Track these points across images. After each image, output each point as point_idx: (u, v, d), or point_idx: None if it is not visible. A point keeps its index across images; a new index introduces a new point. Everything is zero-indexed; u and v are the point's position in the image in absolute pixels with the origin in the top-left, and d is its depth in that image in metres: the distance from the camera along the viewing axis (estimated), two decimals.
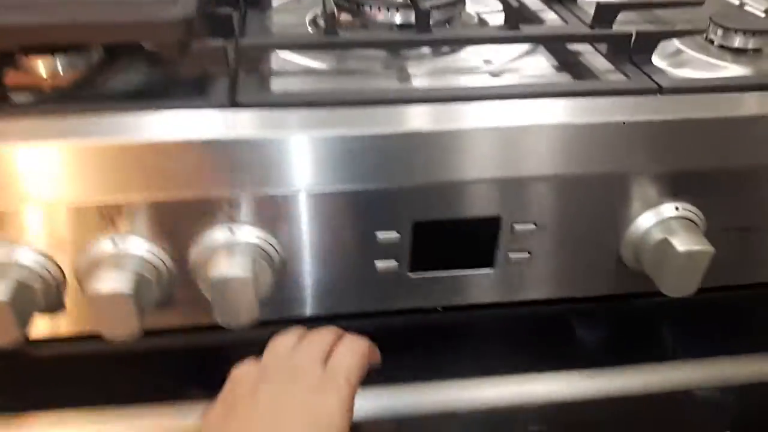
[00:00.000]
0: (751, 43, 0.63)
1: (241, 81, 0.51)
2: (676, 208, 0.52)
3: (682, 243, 0.50)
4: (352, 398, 0.44)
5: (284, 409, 0.42)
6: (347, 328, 0.49)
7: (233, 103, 0.47)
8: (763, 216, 0.54)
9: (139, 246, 0.47)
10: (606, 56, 0.59)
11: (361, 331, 0.49)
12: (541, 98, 0.50)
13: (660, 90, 0.52)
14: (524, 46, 0.63)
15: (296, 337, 0.47)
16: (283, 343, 0.47)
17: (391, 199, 0.48)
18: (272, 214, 0.48)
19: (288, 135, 0.44)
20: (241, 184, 0.46)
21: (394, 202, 0.49)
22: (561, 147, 0.48)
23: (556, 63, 0.61)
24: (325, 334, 0.48)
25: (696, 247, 0.49)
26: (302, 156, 0.45)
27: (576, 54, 0.62)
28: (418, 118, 0.47)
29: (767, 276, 0.58)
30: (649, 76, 0.53)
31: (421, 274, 0.53)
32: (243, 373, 0.45)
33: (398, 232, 0.50)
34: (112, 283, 0.44)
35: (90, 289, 0.44)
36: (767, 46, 0.64)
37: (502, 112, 0.48)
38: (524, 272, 0.54)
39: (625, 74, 0.55)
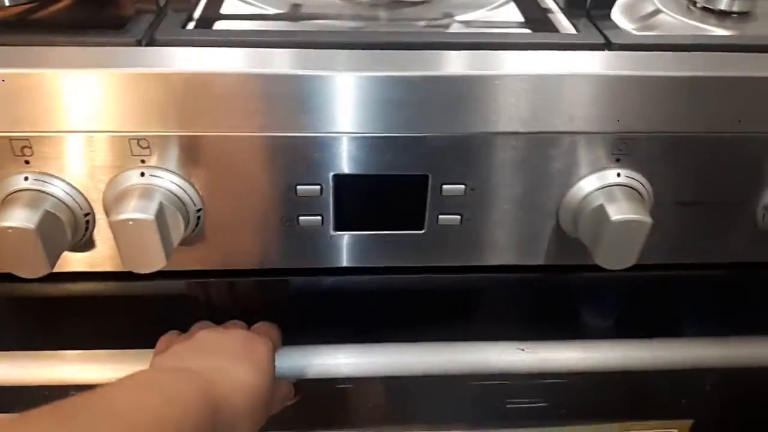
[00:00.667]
0: (737, 5, 0.59)
1: (165, 20, 0.49)
2: (618, 174, 0.48)
3: (617, 211, 0.46)
4: (273, 356, 0.50)
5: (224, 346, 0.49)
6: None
7: (150, 40, 0.46)
8: (713, 190, 0.50)
9: (54, 185, 0.46)
10: (563, 10, 0.55)
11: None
12: (486, 50, 0.47)
13: (609, 45, 0.48)
14: None
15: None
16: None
17: (310, 149, 0.46)
18: (186, 157, 0.46)
19: (208, 74, 0.43)
20: (154, 124, 0.44)
21: (314, 154, 0.46)
22: (494, 101, 0.45)
23: (522, 18, 0.58)
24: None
25: (632, 217, 0.46)
26: (219, 97, 0.43)
27: (545, 10, 0.58)
28: (345, 63, 0.45)
29: (718, 256, 0.54)
30: (600, 31, 0.49)
31: (345, 233, 0.51)
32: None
33: (319, 187, 0.48)
34: (17, 219, 0.44)
35: None
36: (756, 8, 0.59)
37: (440, 61, 0.45)
38: (456, 236, 0.51)
39: (577, 29, 0.51)
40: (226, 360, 0.47)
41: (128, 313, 0.60)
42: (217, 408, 0.43)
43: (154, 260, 0.46)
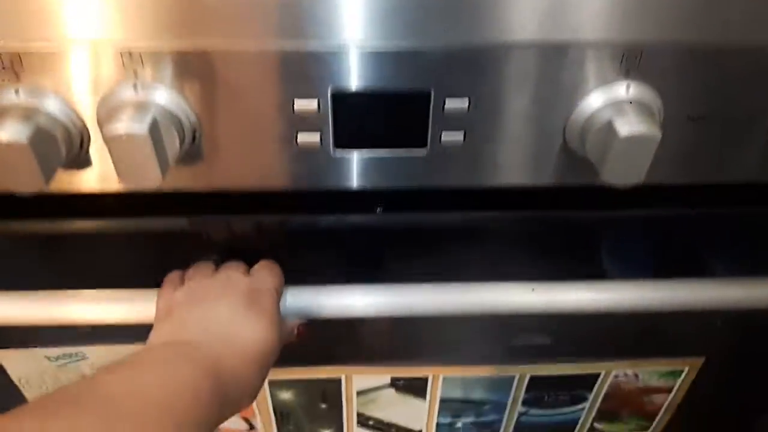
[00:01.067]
0: None
1: None
2: (627, 88, 0.46)
3: (626, 126, 0.45)
4: (278, 306, 0.51)
5: (227, 304, 0.48)
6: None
7: None
8: (726, 104, 0.48)
9: (45, 99, 0.45)
10: None
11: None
12: None
13: None
14: None
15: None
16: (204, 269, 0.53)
17: (307, 63, 0.45)
18: (179, 72, 0.45)
19: None
20: (146, 36, 0.43)
21: (311, 67, 0.45)
22: (499, 10, 0.43)
23: None
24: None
25: (640, 131, 0.44)
26: (213, 7, 0.42)
27: None
28: None
29: (728, 174, 0.53)
30: None
31: (345, 152, 0.50)
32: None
33: (317, 102, 0.46)
34: (9, 132, 0.43)
35: None
36: None
37: None
38: (460, 155, 0.50)
39: None
40: (230, 324, 0.46)
41: (129, 246, 0.60)
42: (224, 384, 0.41)
43: (149, 176, 0.45)
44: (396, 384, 0.80)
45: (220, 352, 0.43)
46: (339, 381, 0.78)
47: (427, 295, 0.56)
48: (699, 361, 0.78)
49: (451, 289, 0.57)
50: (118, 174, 0.45)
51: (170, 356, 0.42)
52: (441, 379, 0.80)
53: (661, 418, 0.89)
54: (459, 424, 0.89)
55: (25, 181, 0.45)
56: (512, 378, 0.80)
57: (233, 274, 0.52)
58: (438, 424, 0.88)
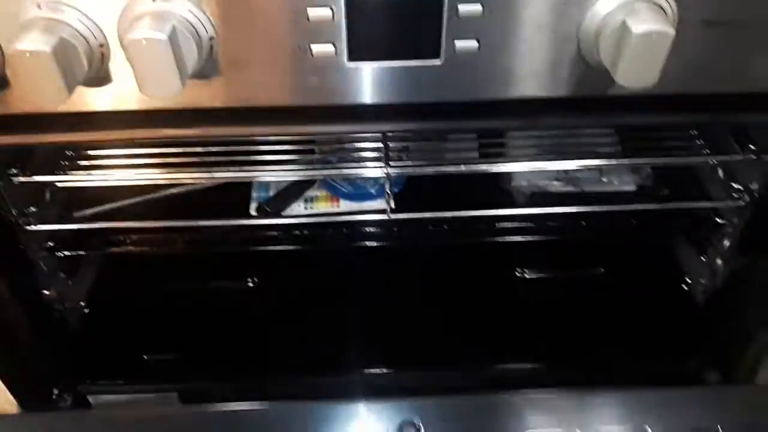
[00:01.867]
0: None
1: None
2: None
3: (639, 24, 0.44)
4: None
5: None
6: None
7: None
8: (742, 8, 0.48)
9: (67, 12, 0.47)
10: None
11: None
12: None
13: None
14: None
15: None
16: None
17: None
18: None
19: None
20: None
21: None
22: None
23: None
24: None
25: (654, 28, 0.44)
26: None
27: None
28: None
29: (743, 84, 0.52)
30: None
31: (360, 64, 0.50)
32: None
33: (331, 10, 0.47)
34: (33, 43, 0.44)
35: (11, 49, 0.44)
36: None
37: None
38: (474, 66, 0.50)
39: None
40: None
41: None
42: None
43: (169, 84, 0.46)
44: None
45: None
46: None
47: None
48: None
49: None
50: (140, 84, 0.46)
51: None
52: None
53: None
54: None
55: (49, 93, 0.46)
56: None
57: None
58: None
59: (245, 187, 0.88)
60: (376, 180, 0.89)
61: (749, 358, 0.83)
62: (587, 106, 0.55)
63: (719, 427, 0.68)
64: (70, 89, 0.46)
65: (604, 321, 0.91)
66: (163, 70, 0.45)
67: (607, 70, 0.48)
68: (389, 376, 0.83)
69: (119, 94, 0.51)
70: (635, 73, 0.46)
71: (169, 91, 0.46)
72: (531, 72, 0.51)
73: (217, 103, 0.52)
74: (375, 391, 0.76)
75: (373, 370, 0.84)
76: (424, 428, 0.67)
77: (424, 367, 0.83)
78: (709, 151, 0.77)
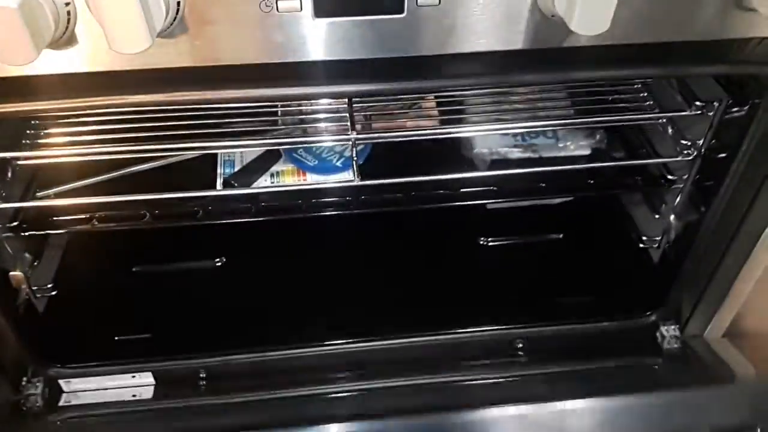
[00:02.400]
0: None
1: None
2: None
3: None
4: None
5: None
6: None
7: None
8: None
9: None
10: None
11: None
12: None
13: None
14: None
15: None
16: None
17: None
18: None
19: None
20: None
21: None
22: None
23: None
24: None
25: None
26: None
27: None
28: None
29: (689, 32, 0.55)
30: None
31: (325, 20, 0.51)
32: None
33: None
34: None
35: None
36: None
37: None
38: (436, 20, 0.52)
39: None
40: None
41: None
42: None
43: (138, 39, 0.46)
44: None
45: None
46: None
47: None
48: None
49: None
50: (108, 38, 0.46)
51: None
52: None
53: None
54: None
55: (16, 51, 0.46)
56: None
57: None
58: None
59: (211, 164, 0.88)
60: (341, 153, 0.90)
61: (703, 310, 0.88)
62: (544, 60, 0.58)
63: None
64: (38, 48, 0.46)
65: (563, 282, 0.95)
66: (132, 24, 0.45)
67: (562, 22, 0.51)
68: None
69: (85, 57, 0.52)
70: (588, 19, 0.49)
71: (139, 46, 0.46)
72: (490, 25, 0.53)
73: (184, 62, 0.52)
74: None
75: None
76: None
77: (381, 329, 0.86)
78: (658, 110, 0.81)
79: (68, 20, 0.49)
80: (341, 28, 0.52)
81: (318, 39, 0.52)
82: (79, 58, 0.52)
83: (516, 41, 0.54)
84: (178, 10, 0.49)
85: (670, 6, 0.54)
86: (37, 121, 0.80)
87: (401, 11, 0.51)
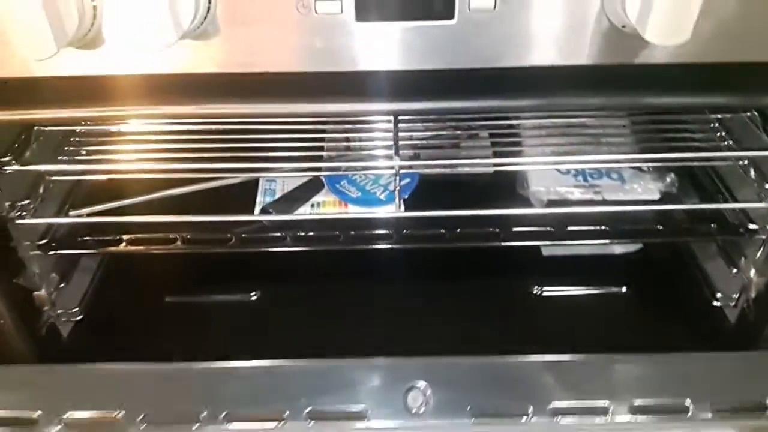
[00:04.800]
0: None
1: None
2: None
3: None
4: None
5: None
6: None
7: None
8: None
9: None
10: None
11: None
12: None
13: None
14: None
15: None
16: None
17: None
18: None
19: None
20: None
21: None
22: None
23: None
24: None
25: None
26: None
27: None
28: None
29: None
30: None
31: (369, 24, 0.47)
32: None
33: None
34: None
35: None
36: None
37: None
38: (491, 27, 0.47)
39: None
40: None
41: None
42: None
43: (163, 36, 0.43)
44: None
45: None
46: None
47: None
48: None
49: None
50: (131, 33, 0.43)
51: None
52: None
53: None
54: None
55: (38, 45, 0.43)
56: None
57: None
58: None
59: (252, 193, 0.85)
60: (385, 186, 0.85)
61: None
62: (612, 79, 0.51)
63: None
64: (59, 42, 0.43)
65: (624, 343, 0.85)
66: (155, 20, 0.42)
67: (634, 33, 0.45)
68: None
69: (112, 59, 0.49)
70: (666, 27, 0.43)
71: (163, 44, 0.43)
72: (551, 35, 0.48)
73: (214, 68, 0.49)
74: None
75: None
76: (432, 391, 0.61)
77: None
78: (736, 149, 0.73)
79: (93, 17, 0.46)
80: (385, 34, 0.48)
81: (360, 46, 0.48)
82: (105, 60, 0.48)
83: (580, 55, 0.48)
84: (209, 8, 0.45)
85: (763, 18, 0.47)
86: (78, 138, 0.78)
87: (451, 16, 0.47)
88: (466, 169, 0.73)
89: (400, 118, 0.68)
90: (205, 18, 0.45)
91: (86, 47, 0.48)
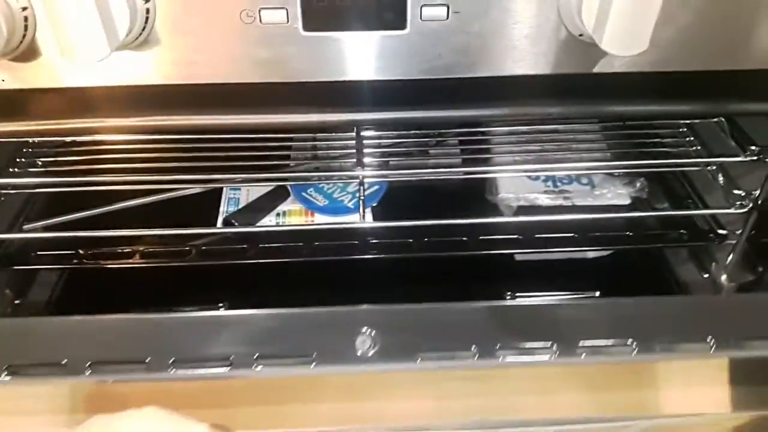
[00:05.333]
0: None
1: None
2: None
3: None
4: None
5: None
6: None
7: None
8: None
9: None
10: None
11: None
12: None
13: None
14: None
15: None
16: None
17: None
18: None
19: None
20: None
21: None
22: None
23: None
24: None
25: None
26: None
27: None
28: None
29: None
30: None
31: (316, 34, 0.45)
32: None
33: None
34: None
35: None
36: None
37: None
38: (445, 37, 0.45)
39: None
40: None
41: None
42: None
43: (97, 49, 0.40)
44: None
45: None
46: None
47: None
48: None
49: None
50: (61, 46, 0.41)
51: None
52: None
53: None
54: None
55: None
56: None
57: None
58: None
59: (215, 203, 0.82)
60: (353, 194, 0.83)
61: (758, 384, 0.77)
62: (571, 89, 0.50)
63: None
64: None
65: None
66: (87, 30, 0.40)
67: (592, 41, 0.43)
68: None
69: (49, 72, 0.46)
70: (623, 37, 0.41)
71: (95, 56, 0.41)
72: (507, 45, 0.46)
73: (159, 79, 0.46)
74: None
75: None
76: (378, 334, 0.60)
77: None
78: (705, 154, 0.72)
79: (25, 27, 0.43)
80: (335, 44, 0.46)
81: (309, 56, 0.46)
82: (39, 73, 0.46)
83: (539, 64, 0.47)
84: (147, 18, 0.43)
85: (724, 25, 0.46)
86: (32, 149, 0.76)
87: (404, 26, 0.45)
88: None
89: (363, 127, 0.66)
90: (143, 28, 0.43)
91: (21, 60, 0.45)
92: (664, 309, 0.66)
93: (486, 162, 0.76)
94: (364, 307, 0.62)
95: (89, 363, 0.58)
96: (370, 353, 0.60)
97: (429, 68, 0.47)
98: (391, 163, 0.79)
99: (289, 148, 0.84)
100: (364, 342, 0.61)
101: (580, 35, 0.44)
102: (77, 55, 0.41)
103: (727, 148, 0.69)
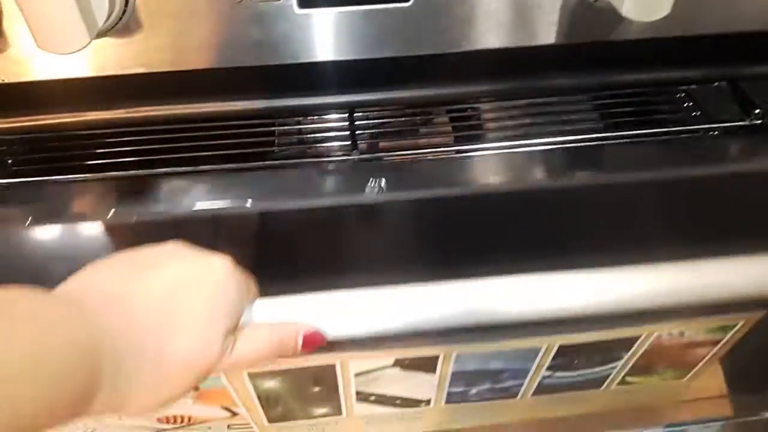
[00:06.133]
0: None
1: None
2: None
3: None
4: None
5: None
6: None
7: None
8: None
9: None
10: None
11: None
12: None
13: None
14: None
15: None
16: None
17: None
18: None
19: None
20: None
21: None
22: None
23: None
24: None
25: None
26: None
27: None
28: None
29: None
30: None
31: (312, 11, 0.42)
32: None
33: None
34: None
35: None
36: None
37: None
38: (450, 9, 0.42)
39: None
40: (166, 301, 0.33)
41: None
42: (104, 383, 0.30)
43: (75, 38, 0.37)
44: (401, 363, 0.71)
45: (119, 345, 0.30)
46: (333, 367, 0.69)
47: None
48: (758, 315, 0.69)
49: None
50: (36, 37, 0.37)
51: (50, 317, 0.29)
52: (454, 355, 0.70)
53: (698, 369, 0.80)
54: (473, 391, 0.79)
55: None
56: (538, 348, 0.71)
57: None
58: (449, 393, 0.79)
59: None
60: None
61: None
62: (578, 60, 0.47)
63: None
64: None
65: None
66: (64, 18, 0.36)
67: (606, 8, 0.40)
68: None
69: (22, 62, 0.42)
70: (645, 1, 0.39)
71: (73, 46, 0.37)
72: (516, 14, 0.43)
73: (140, 68, 0.43)
74: None
75: None
76: None
77: None
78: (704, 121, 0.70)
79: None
80: (333, 22, 0.42)
81: (304, 36, 0.42)
82: (12, 64, 0.42)
83: (548, 34, 0.44)
84: (127, 1, 0.39)
85: None
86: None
87: None
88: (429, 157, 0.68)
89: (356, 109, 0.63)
90: (124, 11, 0.39)
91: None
92: None
93: (478, 138, 0.73)
94: None
95: None
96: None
97: (434, 43, 0.44)
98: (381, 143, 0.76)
99: (272, 133, 0.80)
100: None
101: (595, 1, 0.42)
102: (55, 46, 0.36)
103: (729, 113, 0.67)
